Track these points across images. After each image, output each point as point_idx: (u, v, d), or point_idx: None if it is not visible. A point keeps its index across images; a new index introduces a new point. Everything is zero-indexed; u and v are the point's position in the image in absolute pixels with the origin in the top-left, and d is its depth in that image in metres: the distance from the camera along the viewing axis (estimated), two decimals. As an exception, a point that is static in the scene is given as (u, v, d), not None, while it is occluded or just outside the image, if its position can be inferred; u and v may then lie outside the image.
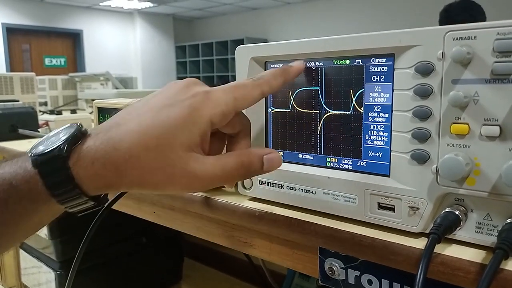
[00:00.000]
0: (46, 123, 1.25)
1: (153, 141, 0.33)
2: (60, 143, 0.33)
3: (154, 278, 1.15)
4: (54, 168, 0.32)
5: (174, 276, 1.22)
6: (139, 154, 0.33)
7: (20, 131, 1.12)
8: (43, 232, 0.92)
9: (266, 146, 0.52)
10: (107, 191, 0.36)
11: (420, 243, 0.38)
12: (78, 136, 0.34)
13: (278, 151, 0.51)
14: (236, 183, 0.54)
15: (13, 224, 0.34)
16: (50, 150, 0.33)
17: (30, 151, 0.34)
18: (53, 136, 0.35)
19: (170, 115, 0.34)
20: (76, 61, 7.46)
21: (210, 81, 7.83)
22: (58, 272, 0.94)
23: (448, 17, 1.97)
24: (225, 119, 0.37)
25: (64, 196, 0.33)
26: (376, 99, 0.42)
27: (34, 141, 1.11)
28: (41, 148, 0.34)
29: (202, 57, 7.90)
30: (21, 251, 1.07)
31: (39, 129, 1.19)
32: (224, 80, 7.41)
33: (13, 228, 0.35)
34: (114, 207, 0.58)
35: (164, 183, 0.34)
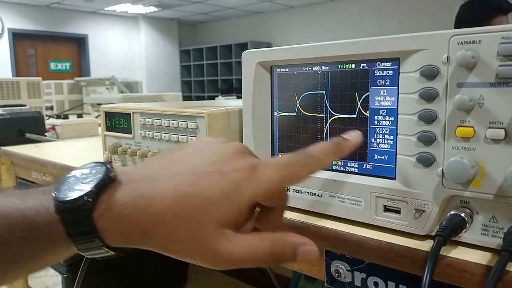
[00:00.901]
0: (53, 128, 1.26)
1: (186, 211, 0.31)
2: (87, 190, 0.32)
3: (159, 281, 1.15)
4: (78, 218, 0.31)
5: (180, 280, 1.22)
6: (168, 220, 0.31)
7: (27, 135, 1.13)
8: (50, 235, 0.93)
9: (272, 150, 0.53)
10: (129, 246, 0.34)
11: (426, 246, 0.38)
12: (106, 182, 0.32)
13: (284, 154, 0.51)
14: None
15: (31, 260, 0.34)
16: (75, 199, 0.31)
17: (55, 191, 0.32)
18: (80, 176, 0.33)
19: (210, 187, 0.32)
20: (81, 66, 7.50)
21: (214, 85, 7.84)
22: (65, 276, 0.95)
23: (472, 11, 1.89)
24: (267, 196, 0.34)
25: (84, 245, 0.32)
26: (381, 103, 0.43)
27: (40, 145, 1.11)
28: (66, 193, 0.32)
29: (206, 60, 7.92)
30: (28, 255, 1.08)
31: (46, 134, 1.20)
32: (228, 83, 7.41)
33: (30, 264, 0.34)
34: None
35: (187, 254, 0.32)
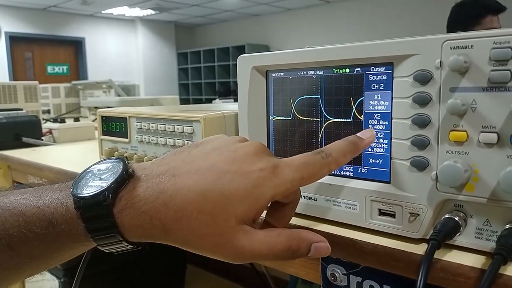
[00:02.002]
0: (50, 131, 1.26)
1: (209, 206, 0.32)
2: (106, 186, 0.32)
3: (157, 285, 1.15)
4: (98, 214, 0.31)
5: (177, 283, 1.22)
6: (190, 215, 0.31)
7: (24, 139, 1.13)
8: (47, 239, 0.93)
9: (268, 153, 0.53)
10: (149, 241, 0.34)
11: (420, 249, 0.39)
12: (125, 178, 0.33)
13: (279, 158, 0.52)
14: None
15: (48, 257, 0.34)
16: (94, 195, 0.31)
17: (73, 188, 0.33)
18: (97, 173, 0.33)
19: (233, 184, 0.32)
20: (78, 69, 7.49)
21: (212, 87, 7.85)
22: (62, 280, 0.95)
23: (461, 11, 1.91)
24: (286, 194, 0.35)
25: (104, 240, 0.32)
26: (375, 107, 0.43)
27: (37, 150, 1.11)
28: (84, 189, 0.32)
29: (203, 63, 7.93)
30: (25, 259, 1.08)
31: (42, 138, 1.20)
32: (226, 86, 7.42)
33: (48, 260, 0.34)
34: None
35: (207, 249, 0.33)
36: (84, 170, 0.35)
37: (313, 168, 0.35)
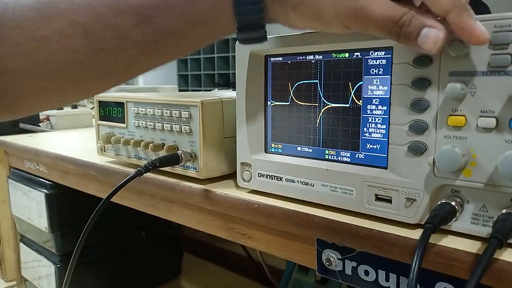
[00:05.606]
0: (47, 118, 1.25)
1: None
2: None
3: (153, 272, 1.15)
4: None
5: (173, 271, 1.23)
6: None
7: (21, 125, 1.13)
8: (43, 225, 0.93)
9: (266, 139, 0.53)
10: (277, 20, 0.40)
11: (416, 234, 0.39)
12: None
13: (277, 143, 0.51)
14: (236, 176, 0.54)
15: (182, 34, 0.36)
16: None
17: None
18: None
19: None
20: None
21: (211, 79, 7.82)
22: (58, 265, 0.95)
23: None
24: None
25: (246, 8, 0.35)
26: (374, 92, 0.42)
27: (34, 136, 1.10)
28: None
29: (203, 54, 7.90)
30: (21, 245, 1.08)
31: (40, 124, 1.20)
32: (225, 77, 7.39)
33: (181, 39, 0.36)
34: (114, 199, 0.58)
35: (328, 10, 0.34)
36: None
37: None
